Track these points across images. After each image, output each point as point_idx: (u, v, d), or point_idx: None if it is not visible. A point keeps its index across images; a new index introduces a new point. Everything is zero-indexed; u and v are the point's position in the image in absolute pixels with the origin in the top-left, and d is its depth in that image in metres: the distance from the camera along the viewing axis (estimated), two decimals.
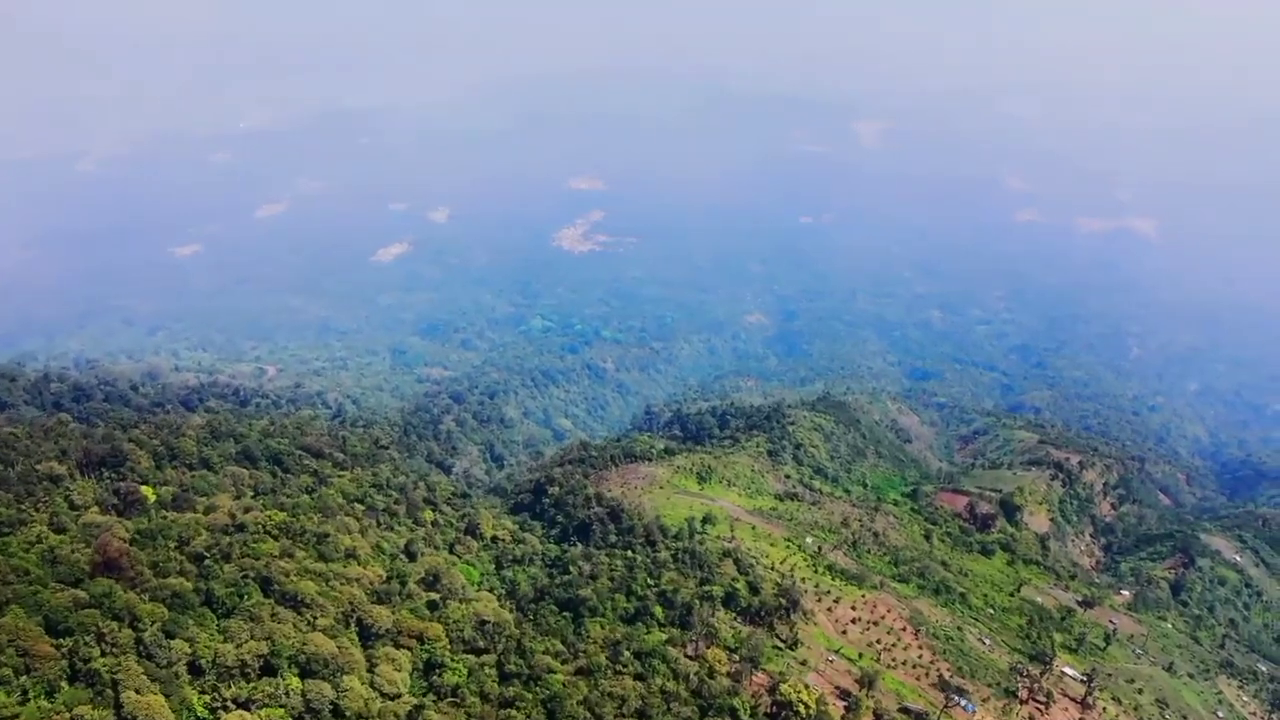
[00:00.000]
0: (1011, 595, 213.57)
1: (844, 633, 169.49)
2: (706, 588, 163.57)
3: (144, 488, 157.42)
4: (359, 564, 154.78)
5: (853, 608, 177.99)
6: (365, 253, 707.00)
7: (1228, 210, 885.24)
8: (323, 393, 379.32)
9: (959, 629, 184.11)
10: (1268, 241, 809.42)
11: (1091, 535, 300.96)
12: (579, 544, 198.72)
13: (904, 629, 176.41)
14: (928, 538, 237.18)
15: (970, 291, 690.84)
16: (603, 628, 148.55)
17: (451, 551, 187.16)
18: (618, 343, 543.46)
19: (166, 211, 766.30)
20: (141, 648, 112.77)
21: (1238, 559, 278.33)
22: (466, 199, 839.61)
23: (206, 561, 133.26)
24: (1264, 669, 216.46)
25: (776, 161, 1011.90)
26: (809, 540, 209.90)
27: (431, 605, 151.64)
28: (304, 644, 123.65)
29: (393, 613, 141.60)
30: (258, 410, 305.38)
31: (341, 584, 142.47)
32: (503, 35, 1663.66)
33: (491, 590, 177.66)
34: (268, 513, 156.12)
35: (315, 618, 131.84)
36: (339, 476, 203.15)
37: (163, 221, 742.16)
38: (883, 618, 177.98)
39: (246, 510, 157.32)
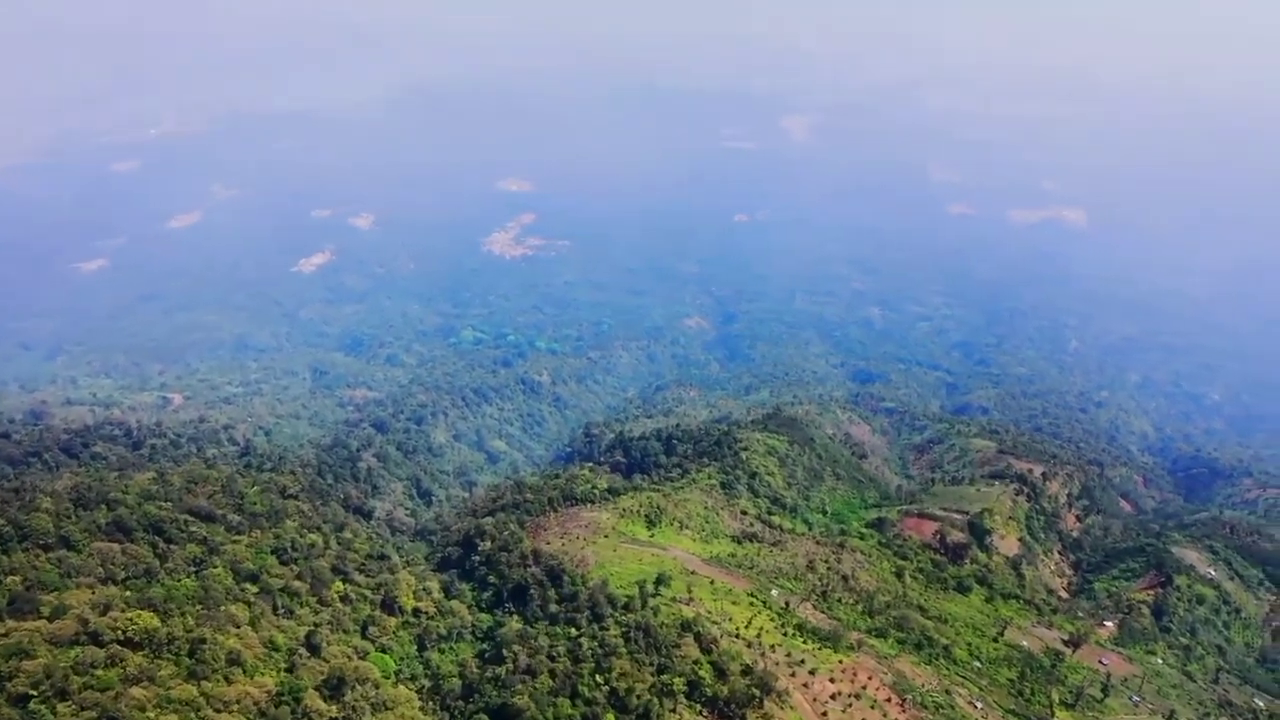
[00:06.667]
0: (995, 641, 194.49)
1: (824, 715, 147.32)
2: (665, 677, 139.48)
3: None
4: (244, 673, 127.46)
5: (831, 679, 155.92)
6: (285, 264, 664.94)
7: (1152, 197, 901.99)
8: (231, 426, 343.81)
9: (947, 692, 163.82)
10: (1191, 227, 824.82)
11: (1060, 553, 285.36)
12: (514, 612, 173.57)
13: (889, 699, 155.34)
14: (899, 576, 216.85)
15: (908, 287, 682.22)
16: None
17: (364, 635, 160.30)
18: (553, 353, 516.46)
19: (69, 224, 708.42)
20: None
21: (1212, 573, 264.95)
22: (391, 203, 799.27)
23: (33, 704, 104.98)
24: (1262, 704, 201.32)
25: (707, 158, 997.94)
26: (775, 593, 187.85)
27: None
28: None
29: None
30: (151, 454, 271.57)
31: (216, 711, 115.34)
32: (424, 35, 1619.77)
33: (413, 679, 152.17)
34: (130, 614, 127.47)
35: None
36: (233, 543, 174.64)
37: (65, 235, 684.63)
38: (864, 687, 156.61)
39: (105, 610, 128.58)
